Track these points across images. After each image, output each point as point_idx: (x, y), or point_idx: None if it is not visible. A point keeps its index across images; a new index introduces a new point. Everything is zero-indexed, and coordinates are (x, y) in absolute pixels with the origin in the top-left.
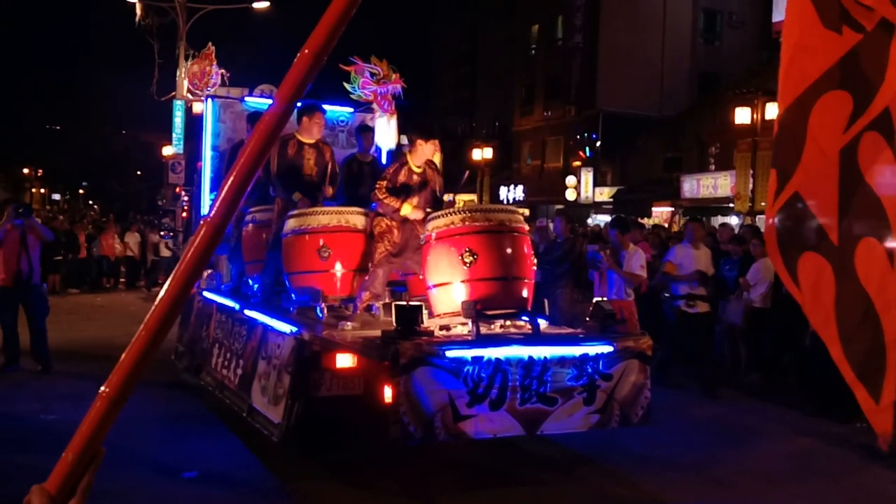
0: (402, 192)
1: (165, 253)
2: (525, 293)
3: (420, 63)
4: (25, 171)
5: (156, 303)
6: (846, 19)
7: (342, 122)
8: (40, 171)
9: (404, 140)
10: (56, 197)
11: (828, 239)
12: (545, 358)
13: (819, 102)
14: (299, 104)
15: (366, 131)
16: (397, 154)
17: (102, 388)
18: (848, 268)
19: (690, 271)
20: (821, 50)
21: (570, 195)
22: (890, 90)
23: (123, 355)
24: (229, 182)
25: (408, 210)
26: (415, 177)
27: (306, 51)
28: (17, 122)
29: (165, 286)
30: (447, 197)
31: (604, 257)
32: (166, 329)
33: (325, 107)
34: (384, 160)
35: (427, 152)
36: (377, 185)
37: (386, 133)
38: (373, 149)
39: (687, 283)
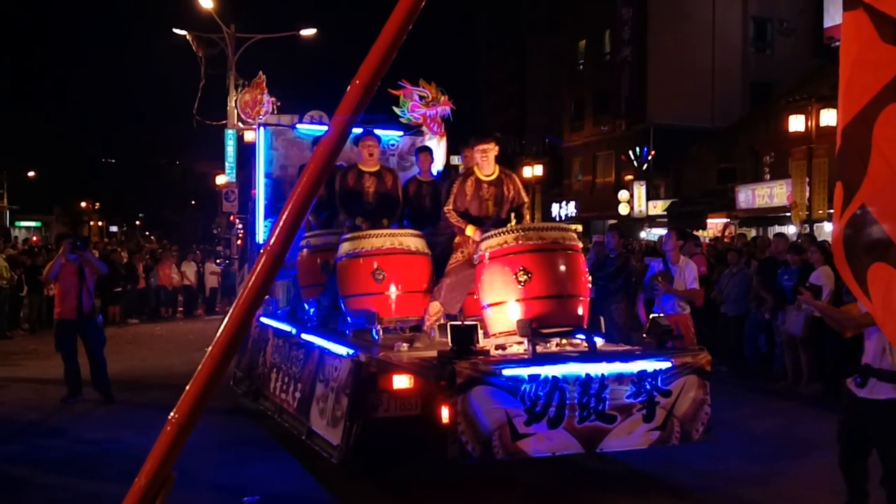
0: (473, 208)
1: (212, 282)
2: (580, 311)
3: (468, 84)
4: (83, 204)
5: (219, 331)
6: None
7: (392, 145)
8: (97, 203)
9: (454, 161)
10: (113, 229)
11: (894, 248)
12: (603, 375)
13: (882, 114)
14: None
15: (423, 152)
16: (448, 172)
17: (172, 415)
18: None
19: None
20: (881, 63)
21: (623, 209)
22: None
23: (190, 383)
24: (287, 210)
25: (471, 232)
26: (485, 187)
27: (357, 82)
28: (74, 156)
29: (228, 315)
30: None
31: (658, 284)
32: (230, 356)
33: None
34: None
35: (489, 156)
36: (445, 207)
37: (436, 155)
38: (433, 169)
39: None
